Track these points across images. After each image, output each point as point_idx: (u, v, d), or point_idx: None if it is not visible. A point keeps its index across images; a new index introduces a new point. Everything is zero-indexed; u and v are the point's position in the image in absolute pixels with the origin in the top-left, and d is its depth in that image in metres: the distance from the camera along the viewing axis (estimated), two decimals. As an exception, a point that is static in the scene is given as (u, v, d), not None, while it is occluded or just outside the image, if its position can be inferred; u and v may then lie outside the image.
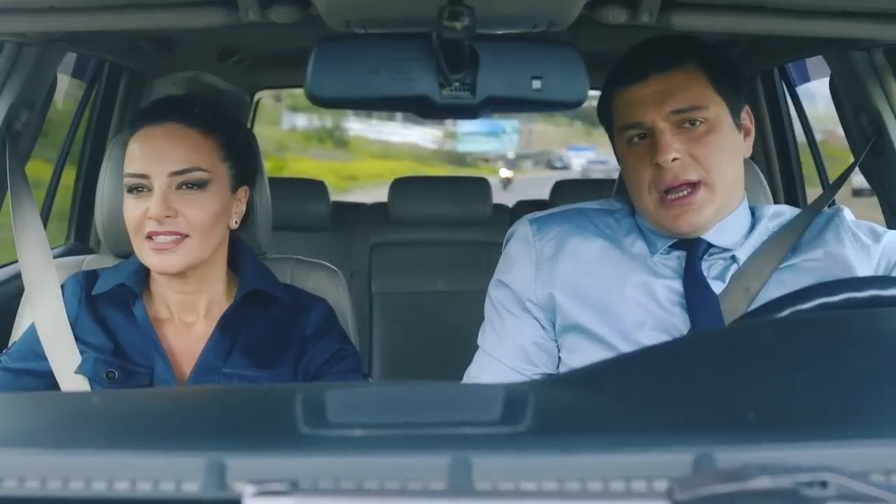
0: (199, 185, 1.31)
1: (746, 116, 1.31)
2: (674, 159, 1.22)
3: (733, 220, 1.29)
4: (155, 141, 1.32)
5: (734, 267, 1.28)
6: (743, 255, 1.28)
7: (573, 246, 1.33)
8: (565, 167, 17.66)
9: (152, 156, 1.30)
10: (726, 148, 1.25)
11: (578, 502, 0.57)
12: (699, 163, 1.23)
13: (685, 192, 1.24)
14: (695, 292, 1.26)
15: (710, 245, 1.28)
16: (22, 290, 1.44)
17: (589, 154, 18.36)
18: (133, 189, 1.31)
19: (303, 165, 17.56)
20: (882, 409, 0.68)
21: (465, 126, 20.71)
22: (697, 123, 1.24)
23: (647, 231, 1.33)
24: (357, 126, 22.77)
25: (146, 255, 1.31)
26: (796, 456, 0.57)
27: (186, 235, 1.30)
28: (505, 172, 19.35)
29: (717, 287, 1.27)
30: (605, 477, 0.57)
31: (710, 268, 1.29)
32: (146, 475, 0.58)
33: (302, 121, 22.18)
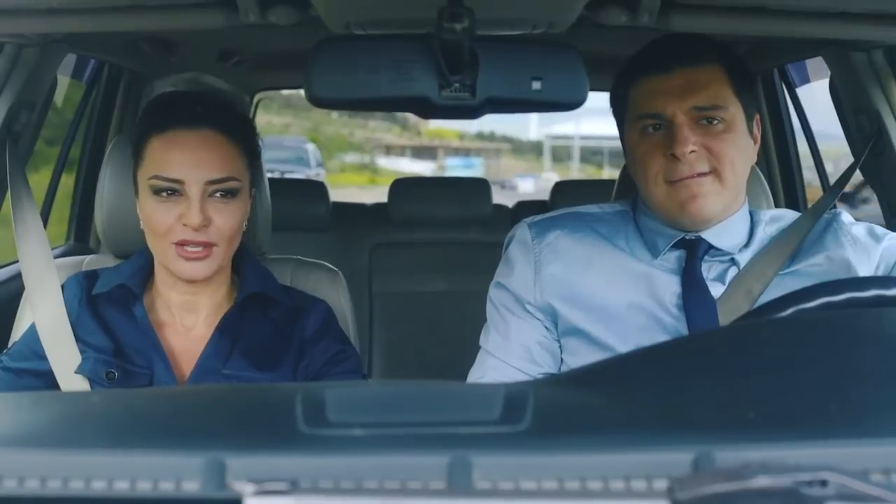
0: (232, 193, 1.31)
1: (756, 125, 1.32)
2: (691, 151, 1.22)
3: (734, 222, 1.29)
4: (192, 147, 1.29)
5: (733, 269, 1.28)
6: (742, 259, 1.29)
7: (570, 250, 1.33)
8: (512, 188, 26.67)
9: (190, 162, 1.28)
10: (740, 148, 1.25)
11: (578, 502, 0.57)
12: (713, 156, 1.23)
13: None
14: (692, 292, 1.26)
15: (710, 246, 1.28)
16: (22, 290, 1.44)
17: (529, 179, 29.65)
18: (161, 192, 1.29)
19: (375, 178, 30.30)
20: (882, 408, 0.68)
21: (450, 161, 38.35)
22: (715, 122, 1.24)
23: (647, 232, 1.33)
24: (382, 161, 39.12)
25: (173, 260, 1.30)
26: (796, 455, 0.57)
27: (215, 245, 1.30)
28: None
29: (717, 289, 1.27)
30: (605, 476, 0.57)
31: (710, 269, 1.29)
32: (146, 474, 0.58)
33: (349, 157, 37.62)
